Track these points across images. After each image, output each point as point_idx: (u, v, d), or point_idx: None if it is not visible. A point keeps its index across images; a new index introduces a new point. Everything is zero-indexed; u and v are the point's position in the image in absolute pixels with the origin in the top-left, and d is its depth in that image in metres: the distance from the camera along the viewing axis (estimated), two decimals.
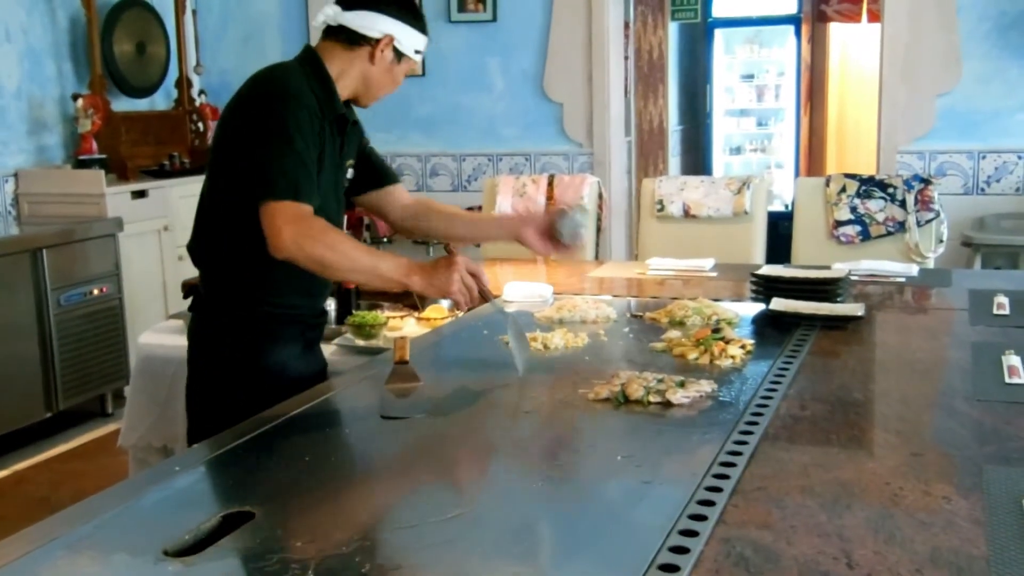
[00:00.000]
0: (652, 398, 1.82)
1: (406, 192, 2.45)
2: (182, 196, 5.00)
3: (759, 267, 3.00)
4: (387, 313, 2.84)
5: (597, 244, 4.08)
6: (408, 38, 2.13)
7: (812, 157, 9.37)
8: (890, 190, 3.75)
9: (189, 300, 2.25)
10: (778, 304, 2.53)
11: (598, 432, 1.77)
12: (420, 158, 5.67)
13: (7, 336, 4.19)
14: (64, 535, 1.34)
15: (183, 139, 5.67)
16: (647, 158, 7.43)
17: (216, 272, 2.14)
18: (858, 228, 3.75)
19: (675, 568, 1.19)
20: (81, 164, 5.02)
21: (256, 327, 2.10)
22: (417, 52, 2.16)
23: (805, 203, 3.91)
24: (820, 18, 9.22)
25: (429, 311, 2.83)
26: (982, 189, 4.75)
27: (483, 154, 5.57)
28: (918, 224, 3.69)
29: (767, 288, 2.64)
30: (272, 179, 1.92)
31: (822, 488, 1.43)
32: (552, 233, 2.29)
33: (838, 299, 2.61)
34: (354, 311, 2.85)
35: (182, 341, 2.26)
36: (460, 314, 2.73)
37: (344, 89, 2.13)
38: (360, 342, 2.68)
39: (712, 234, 3.83)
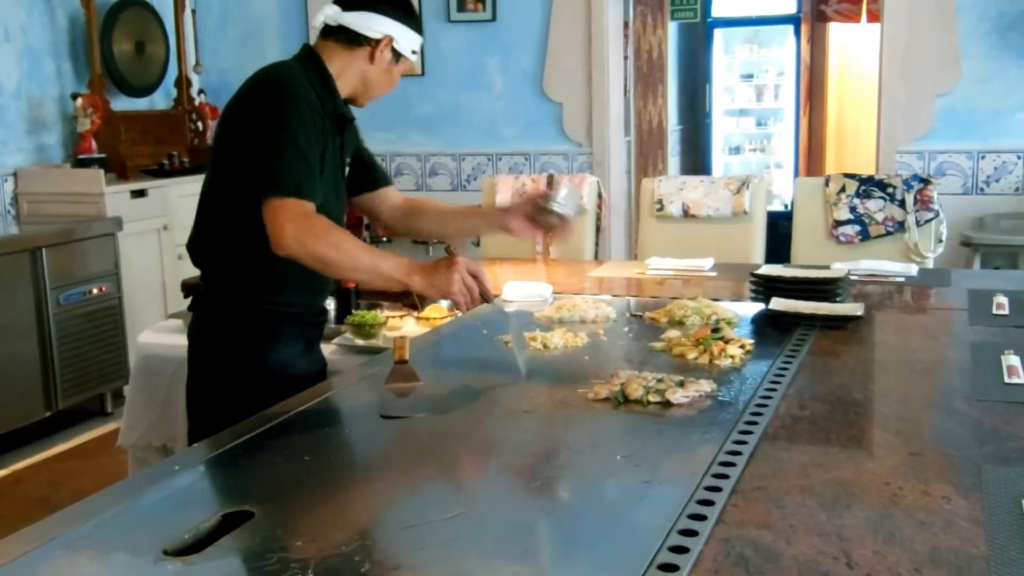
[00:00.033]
0: (651, 398, 1.82)
1: (398, 193, 2.46)
2: (181, 195, 5.00)
3: (758, 267, 3.00)
4: (387, 313, 2.84)
5: (597, 244, 4.08)
6: (406, 38, 2.14)
7: (811, 157, 9.37)
8: (889, 190, 3.76)
9: (189, 299, 2.25)
10: (777, 304, 2.53)
11: (598, 432, 1.77)
12: (420, 158, 5.67)
13: (6, 335, 4.19)
14: (63, 535, 1.34)
15: (182, 138, 5.67)
16: (646, 158, 7.43)
17: (216, 271, 2.14)
18: (857, 228, 3.75)
19: (675, 568, 1.19)
20: (80, 163, 5.03)
21: (256, 326, 2.10)
22: (414, 52, 2.18)
23: (804, 203, 3.91)
24: (819, 18, 9.22)
25: (428, 311, 2.83)
26: (981, 189, 4.75)
27: (482, 154, 5.56)
28: (917, 224, 3.69)
29: (766, 288, 2.64)
30: (275, 176, 1.92)
31: (822, 488, 1.43)
32: (536, 215, 2.24)
33: (837, 299, 2.61)
34: (354, 310, 2.85)
35: (181, 340, 2.26)
36: (459, 314, 2.73)
37: (343, 88, 2.14)
38: (360, 341, 2.68)
39: (711, 234, 3.83)
